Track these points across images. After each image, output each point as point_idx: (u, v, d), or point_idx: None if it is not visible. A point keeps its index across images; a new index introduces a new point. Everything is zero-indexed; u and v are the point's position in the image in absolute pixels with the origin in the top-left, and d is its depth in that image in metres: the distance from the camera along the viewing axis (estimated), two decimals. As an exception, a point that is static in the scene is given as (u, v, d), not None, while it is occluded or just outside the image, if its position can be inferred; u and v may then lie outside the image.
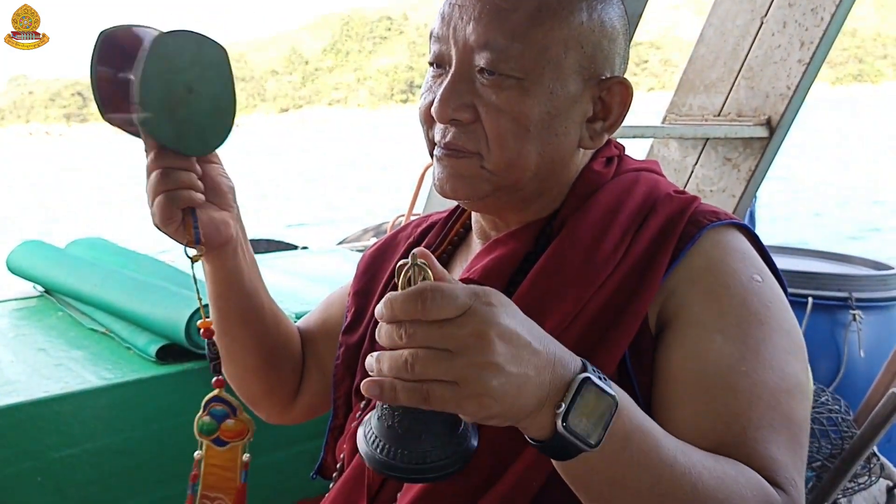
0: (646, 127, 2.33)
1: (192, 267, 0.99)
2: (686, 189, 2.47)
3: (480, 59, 0.84)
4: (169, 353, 1.67)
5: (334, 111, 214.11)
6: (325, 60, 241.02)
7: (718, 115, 2.41)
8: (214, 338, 1.09)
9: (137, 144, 0.94)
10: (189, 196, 0.92)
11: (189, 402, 1.64)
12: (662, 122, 2.52)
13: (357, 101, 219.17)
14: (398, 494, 0.89)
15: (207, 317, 1.07)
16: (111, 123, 0.92)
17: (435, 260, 0.64)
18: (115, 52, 0.89)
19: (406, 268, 0.63)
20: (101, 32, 0.89)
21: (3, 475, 1.49)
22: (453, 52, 0.86)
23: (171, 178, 0.91)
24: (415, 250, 0.63)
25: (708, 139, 2.41)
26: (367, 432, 0.67)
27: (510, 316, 0.63)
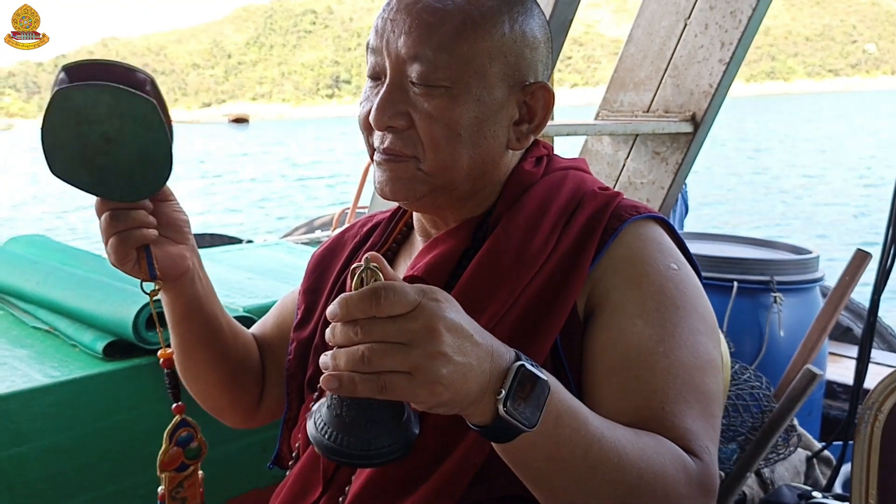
0: (579, 125, 2.43)
1: (151, 301, 1.03)
2: (618, 181, 2.59)
3: (412, 71, 0.91)
4: (116, 349, 1.67)
5: (258, 106, 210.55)
6: (249, 54, 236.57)
7: (647, 111, 2.52)
8: (176, 363, 1.12)
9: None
10: (141, 234, 0.96)
11: (138, 397, 1.66)
12: (595, 119, 2.62)
13: (282, 96, 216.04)
14: (352, 477, 0.95)
15: (168, 346, 1.11)
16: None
17: (386, 263, 0.69)
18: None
19: (360, 270, 0.68)
20: (64, 67, 0.92)
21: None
22: (387, 64, 0.93)
23: (120, 220, 0.95)
24: (368, 254, 0.69)
25: (637, 135, 2.52)
26: (316, 420, 0.72)
27: (454, 311, 0.69)
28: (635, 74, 2.56)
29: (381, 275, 0.68)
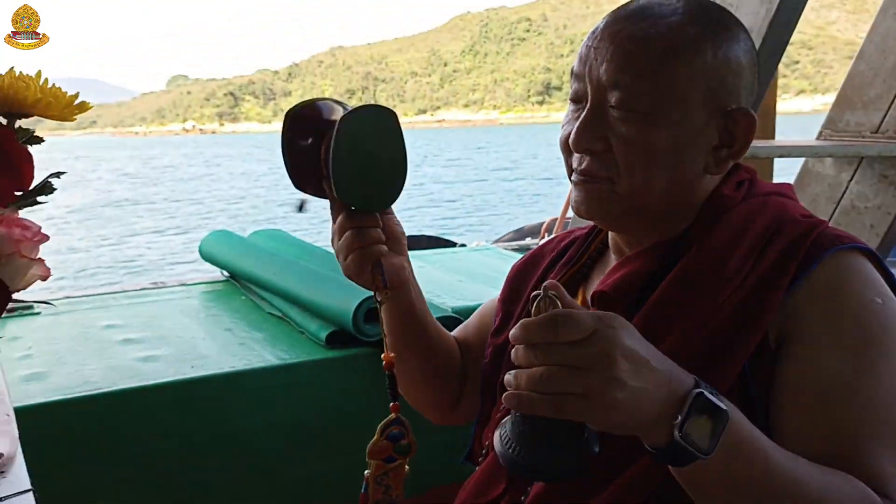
0: (795, 146, 2.32)
1: (380, 309, 1.11)
2: (840, 204, 2.44)
3: (612, 97, 0.94)
4: (337, 338, 1.84)
5: (470, 113, 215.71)
6: (464, 62, 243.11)
7: (876, 132, 2.36)
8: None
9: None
10: (378, 250, 1.05)
11: (353, 384, 1.82)
12: (817, 138, 2.49)
13: (493, 103, 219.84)
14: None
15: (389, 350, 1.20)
16: (303, 191, 1.05)
17: (564, 291, 0.74)
18: (301, 129, 1.03)
19: (538, 298, 0.73)
20: (288, 112, 1.03)
21: (196, 439, 1.69)
22: (588, 90, 0.96)
23: (363, 236, 1.04)
24: (546, 283, 0.74)
25: (863, 157, 2.37)
26: (502, 434, 0.77)
27: (631, 337, 0.72)
28: (864, 93, 2.39)
29: (559, 302, 0.72)
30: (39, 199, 0.72)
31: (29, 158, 0.68)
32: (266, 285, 2.13)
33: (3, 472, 0.90)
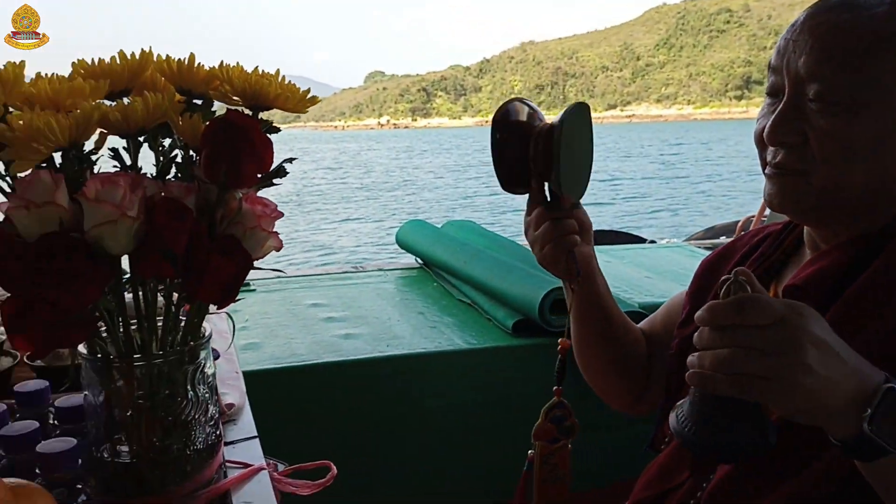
0: None
1: (569, 297, 1.17)
2: None
3: (810, 89, 0.91)
4: (523, 327, 1.89)
5: (662, 108, 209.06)
6: (657, 56, 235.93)
7: None
8: (574, 351, 1.26)
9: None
10: (572, 240, 1.10)
11: (536, 372, 1.86)
12: None
13: (687, 98, 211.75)
14: (717, 468, 0.99)
15: (569, 337, 1.25)
16: (510, 191, 1.11)
17: (754, 279, 0.73)
18: (509, 133, 1.08)
19: (728, 282, 0.73)
20: (496, 118, 1.08)
21: (386, 413, 1.81)
22: (786, 83, 0.94)
23: (560, 227, 1.10)
24: (737, 269, 0.74)
25: None
26: (678, 413, 0.79)
27: (820, 327, 0.71)
28: None
29: (748, 288, 0.73)
30: (275, 181, 0.82)
31: (269, 145, 0.77)
32: (457, 273, 2.22)
33: (234, 420, 1.03)
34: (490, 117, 1.09)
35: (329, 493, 0.93)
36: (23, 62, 0.74)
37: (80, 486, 0.75)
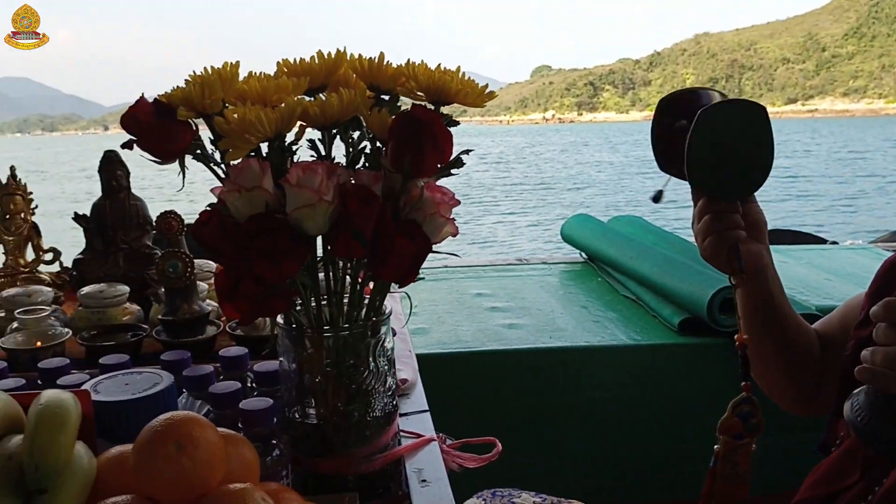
0: None
1: (734, 292, 1.15)
2: None
3: None
4: (690, 325, 1.86)
5: (849, 102, 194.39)
6: (846, 46, 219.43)
7: None
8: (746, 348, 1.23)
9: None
10: (735, 234, 1.08)
11: (703, 372, 1.83)
12: None
13: (878, 91, 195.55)
14: (890, 471, 0.94)
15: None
16: (668, 174, 1.11)
17: None
18: (673, 113, 1.08)
19: None
20: (663, 97, 1.09)
21: (550, 403, 1.84)
22: None
23: (720, 221, 1.08)
24: None
25: None
26: (853, 402, 0.78)
27: None
28: None
29: None
30: (453, 170, 0.87)
31: (450, 138, 0.82)
32: (623, 269, 2.21)
33: (407, 394, 1.10)
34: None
35: (491, 470, 0.98)
36: (237, 62, 0.83)
37: (274, 442, 0.84)
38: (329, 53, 0.86)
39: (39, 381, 0.99)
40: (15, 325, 1.23)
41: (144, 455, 0.64)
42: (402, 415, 1.02)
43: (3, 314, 1.32)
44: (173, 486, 0.64)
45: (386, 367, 0.87)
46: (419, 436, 0.96)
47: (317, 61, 0.86)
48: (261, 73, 0.86)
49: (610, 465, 1.88)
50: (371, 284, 0.86)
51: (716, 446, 1.17)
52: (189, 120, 0.81)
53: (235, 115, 0.77)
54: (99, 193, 1.51)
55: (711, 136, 1.03)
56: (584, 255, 2.52)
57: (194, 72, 0.83)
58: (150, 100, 0.81)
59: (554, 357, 1.82)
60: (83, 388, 0.84)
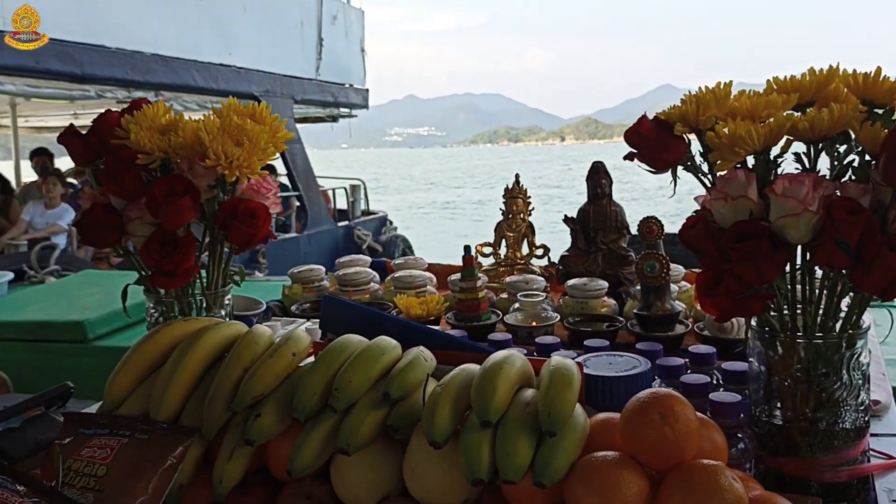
0: None
1: None
2: None
3: None
4: None
5: None
6: None
7: None
8: None
9: None
10: None
11: None
12: None
13: None
14: None
15: None
16: None
17: None
18: None
19: None
20: None
21: None
22: None
23: None
24: None
25: None
26: None
27: None
28: None
29: None
30: None
31: None
32: None
33: (879, 415, 1.06)
34: None
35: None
36: (730, 82, 0.91)
37: (740, 436, 0.89)
38: (821, 70, 0.89)
39: (535, 354, 1.18)
40: (516, 305, 1.47)
41: (633, 421, 0.76)
42: (872, 434, 0.99)
43: (506, 296, 1.59)
44: (655, 451, 0.74)
45: (860, 382, 0.87)
46: (891, 457, 0.94)
47: (808, 77, 0.89)
48: (751, 90, 0.92)
49: None
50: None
51: None
52: (683, 134, 0.91)
53: (726, 130, 0.85)
54: (579, 200, 1.71)
55: None
56: None
57: (689, 91, 0.93)
58: (651, 118, 0.93)
59: None
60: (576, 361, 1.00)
